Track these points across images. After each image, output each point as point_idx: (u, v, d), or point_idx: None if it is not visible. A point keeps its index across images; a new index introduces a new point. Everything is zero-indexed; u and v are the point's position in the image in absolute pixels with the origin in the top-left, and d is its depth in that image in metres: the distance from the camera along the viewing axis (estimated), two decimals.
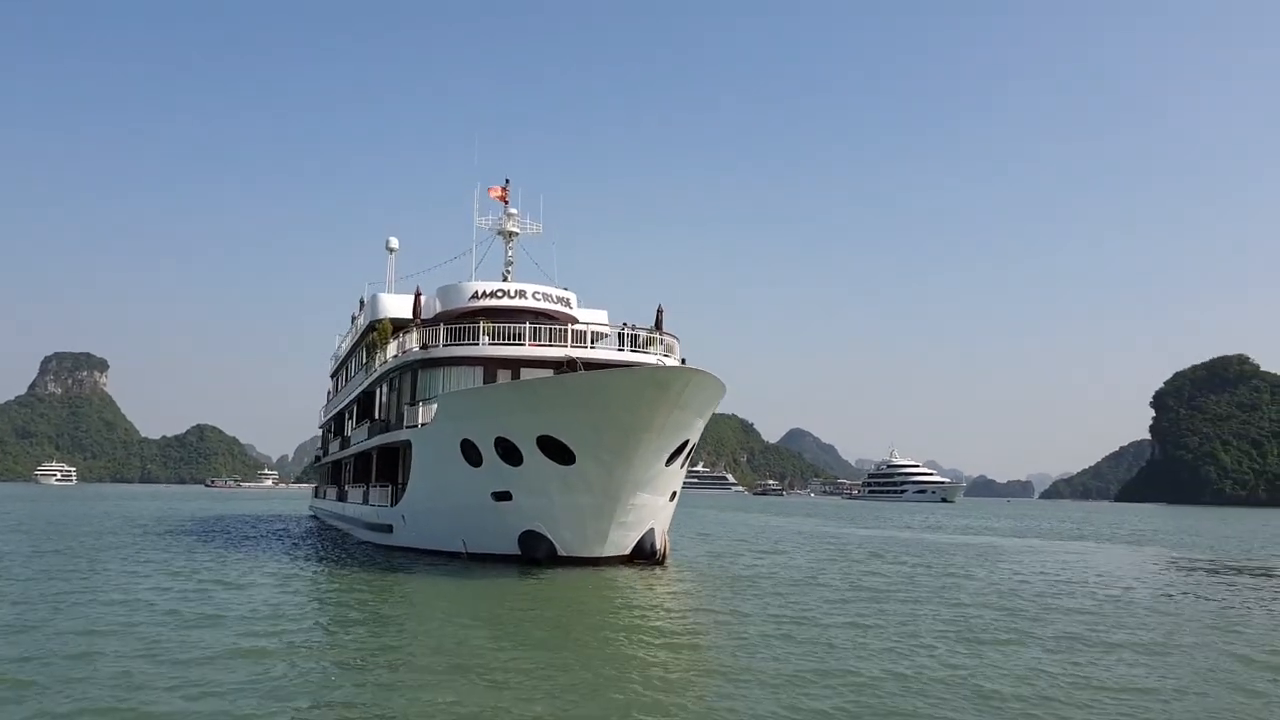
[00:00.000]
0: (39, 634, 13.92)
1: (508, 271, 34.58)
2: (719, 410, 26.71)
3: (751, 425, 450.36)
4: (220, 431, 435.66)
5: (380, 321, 33.16)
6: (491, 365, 28.24)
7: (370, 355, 33.95)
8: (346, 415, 43.19)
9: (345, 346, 46.62)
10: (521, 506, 24.30)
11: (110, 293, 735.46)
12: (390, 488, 31.02)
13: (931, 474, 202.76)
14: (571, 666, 12.17)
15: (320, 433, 61.66)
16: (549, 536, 24.22)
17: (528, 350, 27.84)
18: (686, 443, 24.75)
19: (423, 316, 30.92)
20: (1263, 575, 29.31)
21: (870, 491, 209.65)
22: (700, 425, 25.21)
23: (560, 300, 32.26)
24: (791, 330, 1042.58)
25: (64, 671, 11.38)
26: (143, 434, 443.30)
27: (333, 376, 54.41)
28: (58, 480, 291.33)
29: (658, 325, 30.32)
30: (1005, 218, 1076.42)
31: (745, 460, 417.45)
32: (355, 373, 40.31)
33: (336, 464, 47.26)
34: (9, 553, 27.65)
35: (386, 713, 9.85)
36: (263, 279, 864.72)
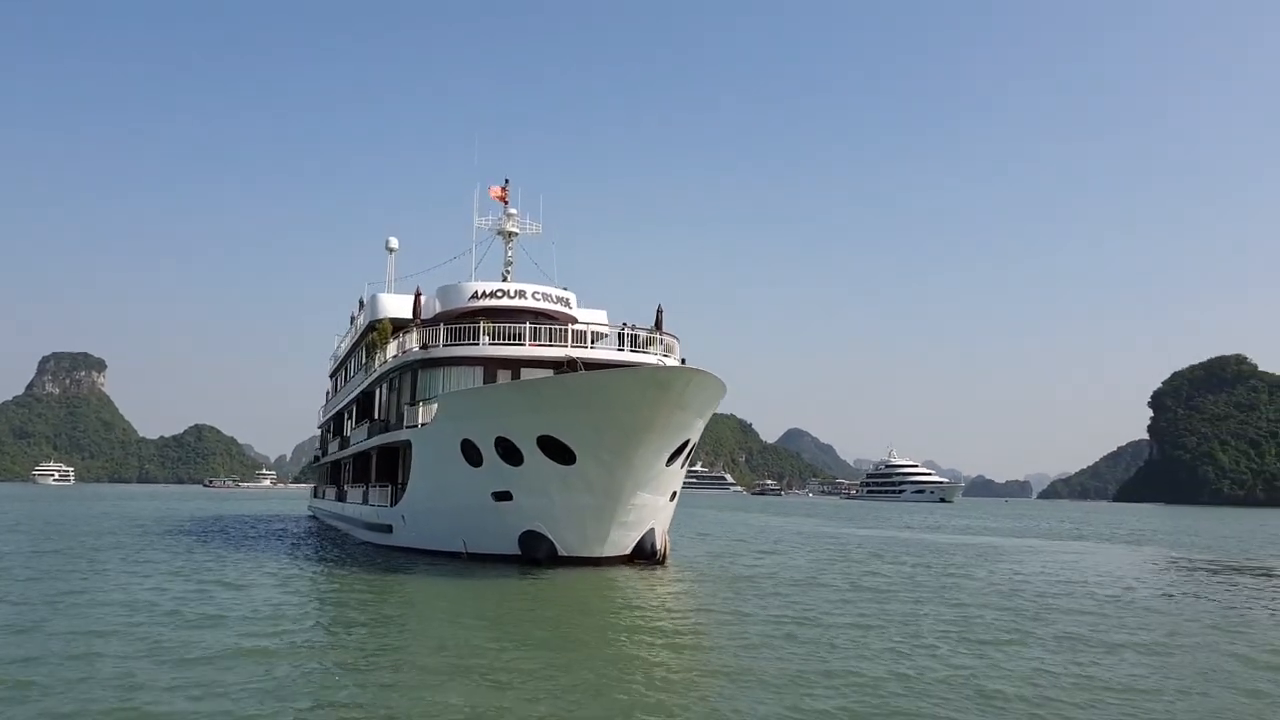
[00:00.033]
0: (40, 634, 13.90)
1: (507, 272, 34.57)
2: (717, 410, 26.74)
3: (750, 425, 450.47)
4: (218, 431, 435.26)
5: (380, 321, 33.15)
6: (492, 365, 28.23)
7: (370, 355, 33.93)
8: (346, 415, 43.16)
9: (344, 347, 46.60)
10: (522, 506, 24.29)
11: (110, 293, 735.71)
12: (390, 488, 30.99)
13: (930, 474, 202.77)
14: (574, 667, 12.16)
15: (319, 433, 61.64)
16: (549, 537, 24.21)
17: (528, 350, 27.84)
18: (687, 443, 24.75)
19: (423, 316, 30.91)
20: (1263, 575, 29.34)
21: (869, 491, 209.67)
22: (701, 425, 25.21)
23: (560, 300, 32.26)
24: (791, 330, 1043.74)
25: (66, 672, 11.36)
26: (141, 434, 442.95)
27: (332, 377, 54.38)
28: (55, 480, 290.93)
29: (658, 325, 30.32)
30: (1005, 218, 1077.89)
31: (744, 460, 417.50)
32: (355, 373, 40.29)
33: (335, 464, 47.23)
34: (8, 553, 27.63)
35: (390, 713, 9.84)
36: (263, 279, 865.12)
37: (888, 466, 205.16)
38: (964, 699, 10.85)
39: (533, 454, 23.38)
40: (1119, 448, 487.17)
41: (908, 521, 71.35)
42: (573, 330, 28.64)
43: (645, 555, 25.14)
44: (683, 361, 29.11)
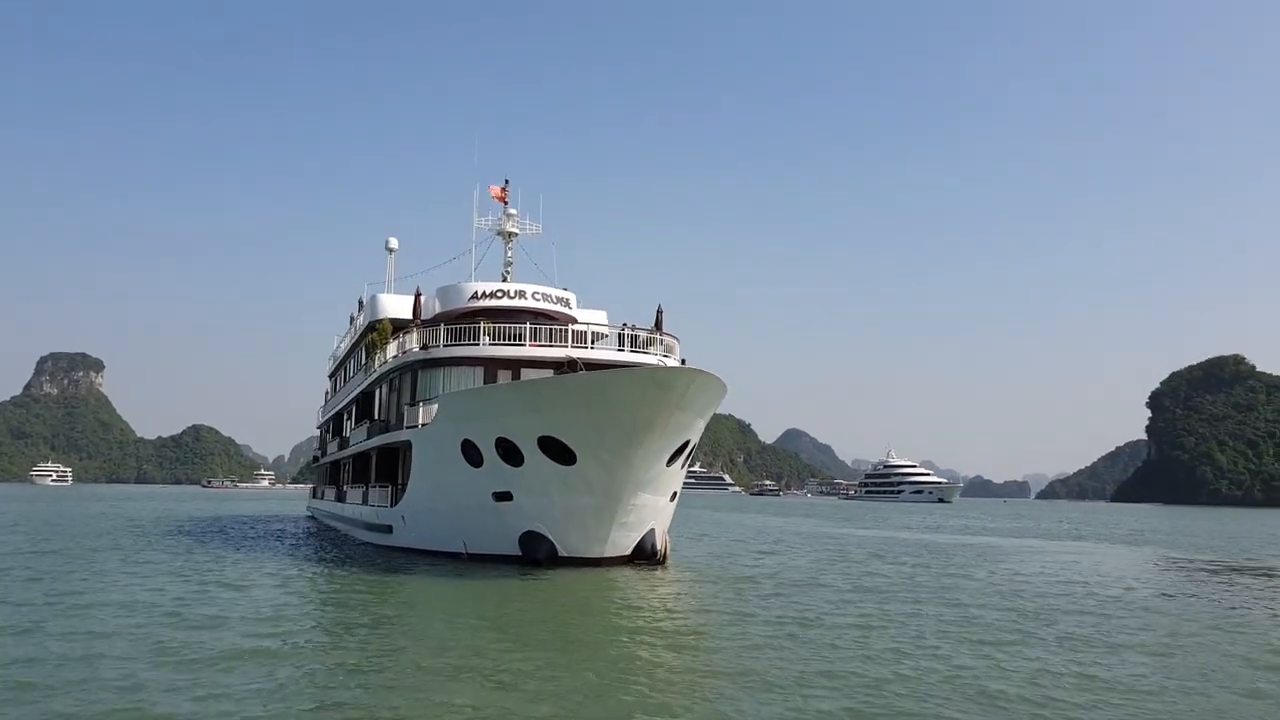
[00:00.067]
0: (42, 635, 13.89)
1: (507, 272, 34.57)
2: (716, 410, 26.76)
3: (748, 425, 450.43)
4: (216, 432, 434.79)
5: (380, 322, 33.13)
6: (492, 366, 28.22)
7: (370, 356, 33.90)
8: (345, 416, 43.12)
9: (344, 347, 46.57)
10: (522, 507, 24.28)
11: (110, 293, 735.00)
12: (390, 488, 30.97)
13: (928, 474, 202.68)
14: (577, 668, 12.16)
15: (317, 433, 61.60)
16: (550, 537, 24.20)
17: (528, 350, 27.83)
18: (687, 443, 24.75)
19: (422, 317, 30.89)
20: (1262, 575, 29.37)
21: (867, 492, 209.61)
22: (701, 426, 25.21)
23: (560, 300, 32.26)
24: (789, 330, 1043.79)
25: (69, 673, 11.35)
26: (138, 434, 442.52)
27: (331, 377, 54.34)
28: (53, 481, 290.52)
29: (657, 325, 30.32)
30: (1005, 218, 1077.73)
31: (742, 460, 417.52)
32: (354, 373, 40.26)
33: (335, 464, 47.19)
34: (8, 553, 27.59)
35: (395, 715, 9.82)
36: (262, 279, 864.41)
37: (886, 467, 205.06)
38: (967, 699, 10.85)
39: (533, 454, 23.37)
40: (1117, 448, 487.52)
41: (907, 522, 71.38)
42: (573, 330, 28.63)
43: (646, 556, 25.13)
44: (683, 362, 29.11)
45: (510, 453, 23.73)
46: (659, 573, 24.09)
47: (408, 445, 28.03)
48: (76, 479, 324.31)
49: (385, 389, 32.92)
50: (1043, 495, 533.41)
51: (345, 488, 41.67)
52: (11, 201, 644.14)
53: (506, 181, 35.33)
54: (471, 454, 24.55)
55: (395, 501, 29.75)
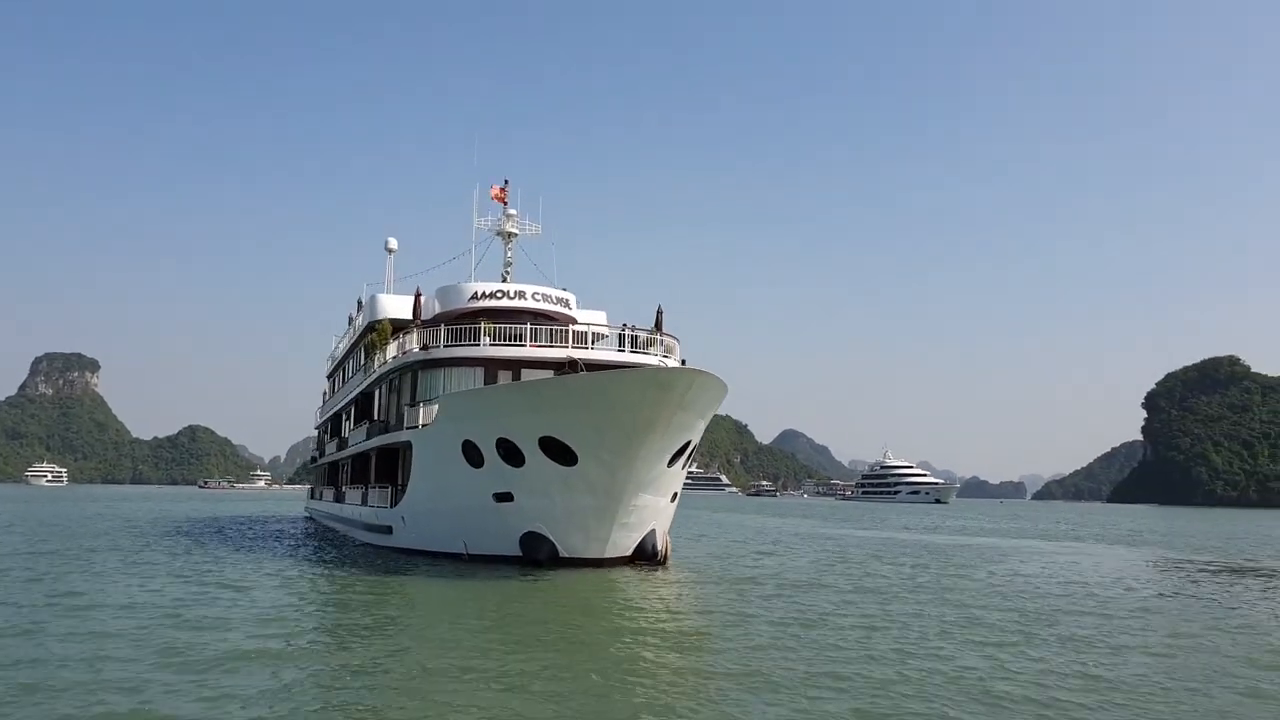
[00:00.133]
0: (44, 636, 13.85)
1: (507, 272, 34.54)
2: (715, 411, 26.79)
3: (745, 426, 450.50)
4: (212, 432, 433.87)
5: (379, 322, 33.09)
6: (492, 366, 28.21)
7: (369, 356, 33.84)
8: (344, 416, 43.06)
9: (343, 347, 46.50)
10: (523, 507, 24.27)
11: (109, 293, 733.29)
12: (390, 489, 30.93)
13: (925, 475, 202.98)
14: (580, 669, 12.15)
15: (314, 434, 61.50)
16: (550, 538, 24.19)
17: (529, 351, 27.82)
18: (688, 444, 24.76)
19: (422, 317, 30.86)
20: (1261, 576, 29.44)
21: (864, 492, 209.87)
22: (702, 426, 25.22)
23: (560, 301, 32.25)
24: (787, 331, 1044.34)
25: (74, 675, 11.32)
26: (134, 434, 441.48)
27: (329, 378, 54.26)
28: (48, 481, 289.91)
29: (657, 326, 30.32)
30: (1005, 218, 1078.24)
31: (739, 461, 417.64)
32: (353, 374, 40.20)
33: (333, 465, 47.12)
34: (5, 554, 27.51)
35: (402, 716, 9.82)
36: (262, 279, 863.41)
37: (883, 468, 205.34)
38: (972, 700, 10.86)
39: (534, 455, 23.36)
40: (1113, 449, 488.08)
41: (905, 523, 71.46)
42: (573, 331, 28.63)
43: (646, 556, 25.14)
44: (683, 362, 29.12)
45: (511, 453, 23.71)
46: (660, 573, 24.09)
47: (408, 446, 28.00)
48: (72, 479, 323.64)
49: (385, 389, 32.88)
50: (1039, 496, 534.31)
51: (344, 488, 41.60)
52: (11, 201, 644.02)
53: (506, 181, 35.34)
54: (472, 454, 24.53)
55: (395, 502, 29.71)
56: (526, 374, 27.51)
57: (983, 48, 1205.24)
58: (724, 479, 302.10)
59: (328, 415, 51.06)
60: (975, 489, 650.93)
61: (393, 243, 42.55)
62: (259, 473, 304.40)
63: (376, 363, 32.48)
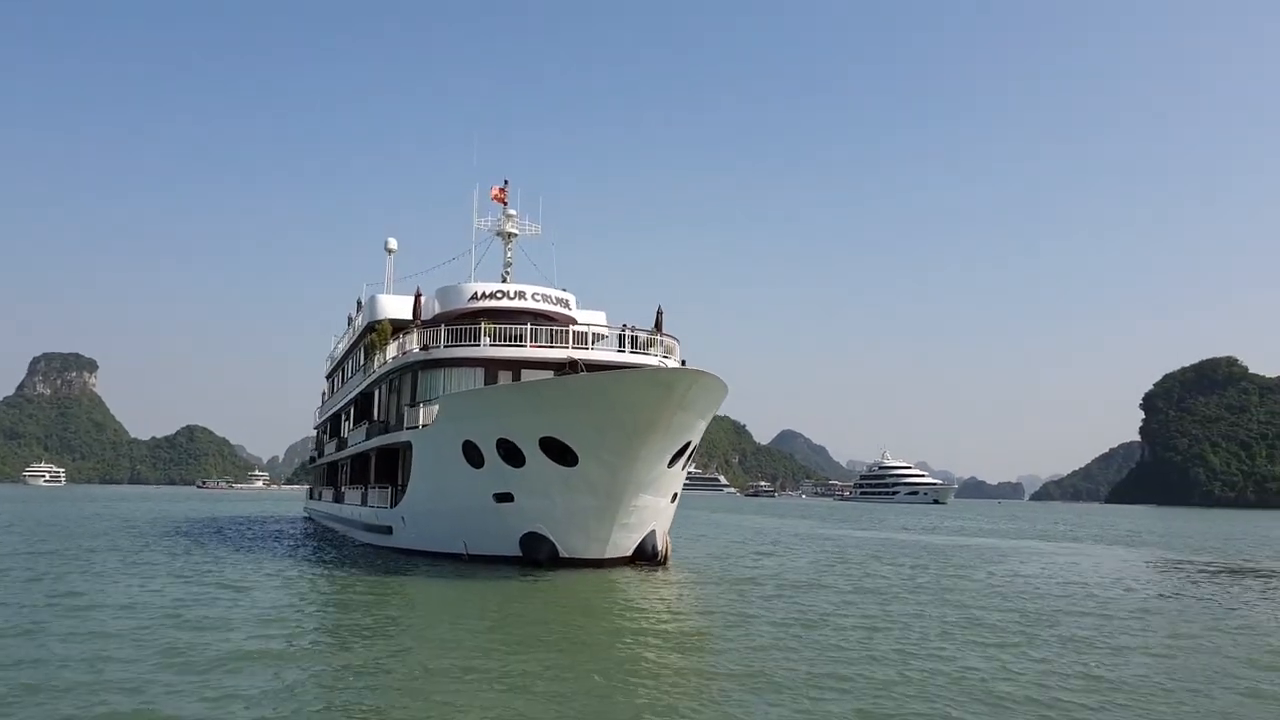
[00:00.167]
0: (45, 636, 13.84)
1: (506, 272, 34.53)
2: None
3: (743, 426, 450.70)
4: (210, 432, 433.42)
5: (379, 322, 33.08)
6: (492, 366, 28.21)
7: (369, 356, 33.84)
8: (344, 416, 43.04)
9: (342, 348, 46.48)
10: (523, 508, 24.27)
11: (109, 293, 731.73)
12: (389, 489, 30.92)
13: (923, 475, 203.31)
14: (582, 670, 12.15)
15: (312, 434, 61.47)
16: (551, 538, 24.19)
17: (529, 351, 27.83)
18: (688, 444, 24.77)
19: (422, 317, 30.86)
20: (1262, 576, 29.49)
21: (862, 493, 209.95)
22: (702, 427, 25.24)
23: (560, 301, 32.26)
24: (786, 331, 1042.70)
25: (76, 675, 11.31)
26: (132, 435, 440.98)
27: (329, 378, 54.23)
28: (46, 481, 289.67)
29: (657, 326, 30.34)
30: (1005, 218, 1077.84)
31: (737, 461, 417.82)
32: (353, 374, 40.19)
33: (333, 465, 47.09)
34: (4, 554, 27.48)
35: (405, 716, 9.82)
36: (262, 279, 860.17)
37: (881, 468, 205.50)
38: (975, 700, 10.88)
39: (534, 455, 23.36)
40: (1110, 449, 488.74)
41: (903, 523, 71.52)
42: (573, 331, 28.64)
43: (647, 557, 25.14)
44: (683, 363, 29.13)
45: (511, 453, 23.71)
46: (660, 574, 24.10)
47: (408, 446, 27.99)
48: (70, 480, 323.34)
49: (385, 390, 32.88)
50: (1037, 496, 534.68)
51: (344, 489, 41.59)
52: (11, 201, 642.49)
53: (506, 182, 35.32)
54: (472, 455, 24.53)
55: (395, 502, 29.71)
56: (527, 374, 27.51)
57: (983, 48, 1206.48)
58: (722, 479, 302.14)
59: (327, 415, 51.03)
60: (973, 489, 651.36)
61: (392, 243, 42.54)
62: (257, 473, 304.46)
63: (376, 363, 32.47)
